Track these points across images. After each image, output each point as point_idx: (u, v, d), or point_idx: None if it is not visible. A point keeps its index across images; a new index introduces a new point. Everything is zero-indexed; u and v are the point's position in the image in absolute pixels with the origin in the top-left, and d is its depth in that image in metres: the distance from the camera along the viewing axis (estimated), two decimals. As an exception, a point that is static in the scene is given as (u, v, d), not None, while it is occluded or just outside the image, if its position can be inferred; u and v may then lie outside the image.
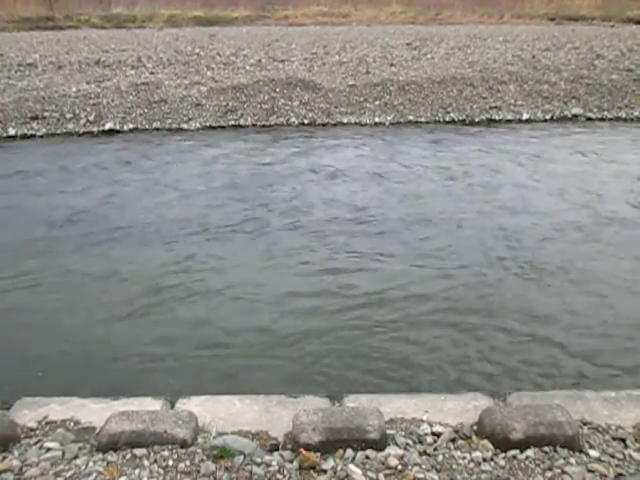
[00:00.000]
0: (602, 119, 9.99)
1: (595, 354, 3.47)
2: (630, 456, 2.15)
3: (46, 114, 9.58)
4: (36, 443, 2.24)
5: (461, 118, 9.88)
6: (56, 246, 5.08)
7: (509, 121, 9.82)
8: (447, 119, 9.85)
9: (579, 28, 23.18)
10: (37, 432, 2.32)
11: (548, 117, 10.00)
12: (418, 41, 18.04)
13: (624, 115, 10.16)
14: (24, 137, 8.89)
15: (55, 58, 14.70)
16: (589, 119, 9.97)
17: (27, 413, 2.45)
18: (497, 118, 9.91)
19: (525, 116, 9.99)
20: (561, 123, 9.75)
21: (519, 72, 12.25)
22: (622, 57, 14.37)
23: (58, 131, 9.07)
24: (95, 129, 9.19)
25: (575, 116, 10.06)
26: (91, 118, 9.48)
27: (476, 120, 9.82)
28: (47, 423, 2.38)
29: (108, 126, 9.26)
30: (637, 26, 24.03)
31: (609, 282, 4.36)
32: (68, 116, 9.53)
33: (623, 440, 2.24)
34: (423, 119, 9.80)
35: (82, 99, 10.28)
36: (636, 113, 10.21)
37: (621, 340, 3.62)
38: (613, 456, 2.15)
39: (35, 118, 9.44)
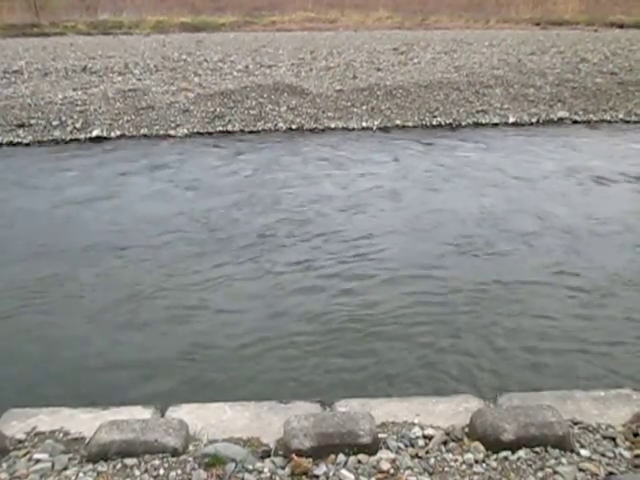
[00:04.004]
0: (587, 122, 10.10)
1: None
2: (620, 454, 2.17)
3: (32, 121, 9.51)
4: (25, 455, 2.21)
5: (448, 122, 9.94)
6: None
7: (495, 125, 9.90)
8: (434, 123, 9.91)
9: (563, 32, 23.46)
10: (26, 443, 2.29)
11: (534, 120, 10.10)
12: (405, 46, 18.15)
13: (609, 118, 10.29)
14: (10, 145, 8.81)
15: (41, 65, 14.60)
16: (575, 122, 10.08)
17: (15, 424, 2.41)
18: (484, 122, 9.98)
19: (511, 119, 10.07)
20: (548, 126, 9.86)
21: (505, 76, 12.36)
22: (606, 61, 14.55)
23: (45, 138, 9.01)
24: (82, 136, 9.13)
25: (561, 119, 10.16)
26: (78, 125, 9.42)
27: (463, 124, 9.89)
28: (36, 434, 2.35)
29: (95, 133, 9.21)
30: (620, 30, 24.36)
31: None
32: (55, 123, 9.46)
33: (613, 439, 2.26)
34: (410, 123, 9.85)
35: (69, 106, 10.22)
36: (620, 116, 10.34)
37: None
38: (604, 455, 2.17)
39: (21, 125, 9.36)
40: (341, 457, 2.13)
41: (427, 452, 2.19)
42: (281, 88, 11.17)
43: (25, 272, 4.69)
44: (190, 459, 2.13)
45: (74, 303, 4.23)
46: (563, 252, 4.96)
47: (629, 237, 5.25)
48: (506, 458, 2.14)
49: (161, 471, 2.07)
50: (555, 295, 4.24)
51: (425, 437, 2.28)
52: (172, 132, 9.38)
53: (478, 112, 10.31)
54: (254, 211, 5.99)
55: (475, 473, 2.08)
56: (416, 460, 2.15)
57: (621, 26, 25.53)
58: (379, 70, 13.55)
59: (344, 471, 2.07)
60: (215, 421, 2.43)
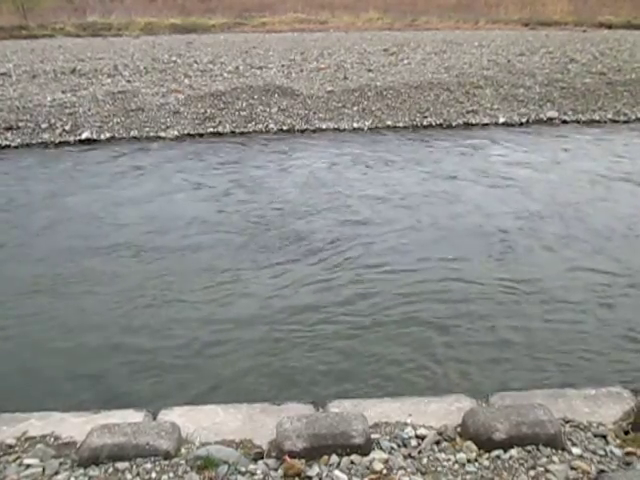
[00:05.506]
0: (577, 122, 10.17)
1: None
2: (611, 452, 2.18)
3: (21, 124, 9.42)
4: (15, 460, 2.19)
5: (438, 122, 9.97)
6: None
7: (485, 125, 9.94)
8: (425, 123, 9.93)
9: (552, 33, 23.59)
10: (16, 448, 2.28)
11: (524, 120, 10.15)
12: (395, 47, 18.18)
13: (597, 118, 10.36)
14: (-1, 147, 8.74)
15: (29, 67, 14.48)
16: (564, 122, 10.15)
17: (5, 429, 2.40)
18: (474, 122, 10.02)
19: (501, 120, 10.12)
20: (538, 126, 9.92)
21: (495, 76, 12.42)
22: (595, 61, 14.66)
23: (33, 141, 8.93)
24: (71, 139, 9.07)
25: (550, 119, 10.22)
26: (67, 128, 9.35)
27: (453, 124, 9.92)
28: (26, 439, 2.34)
29: (85, 135, 9.14)
30: (608, 31, 24.54)
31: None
32: (43, 126, 9.39)
33: (604, 437, 2.27)
34: (401, 124, 9.86)
35: (58, 108, 10.14)
36: (609, 116, 10.41)
37: None
38: (595, 453, 2.19)
39: (9, 128, 9.28)
40: (334, 458, 2.13)
41: (420, 452, 2.20)
42: (272, 89, 11.15)
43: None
44: (182, 462, 2.12)
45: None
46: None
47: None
48: (498, 457, 2.15)
49: (153, 474, 2.06)
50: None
51: (418, 437, 2.29)
52: (162, 134, 9.34)
53: (468, 112, 10.35)
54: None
55: (468, 472, 2.08)
56: (409, 460, 2.16)
57: (609, 27, 25.72)
58: (370, 71, 13.57)
59: (337, 472, 2.07)
60: (207, 423, 2.42)
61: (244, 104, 10.48)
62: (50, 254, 5.07)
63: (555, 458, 2.13)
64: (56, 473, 2.11)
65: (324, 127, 9.70)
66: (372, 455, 2.16)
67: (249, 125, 9.69)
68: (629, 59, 14.79)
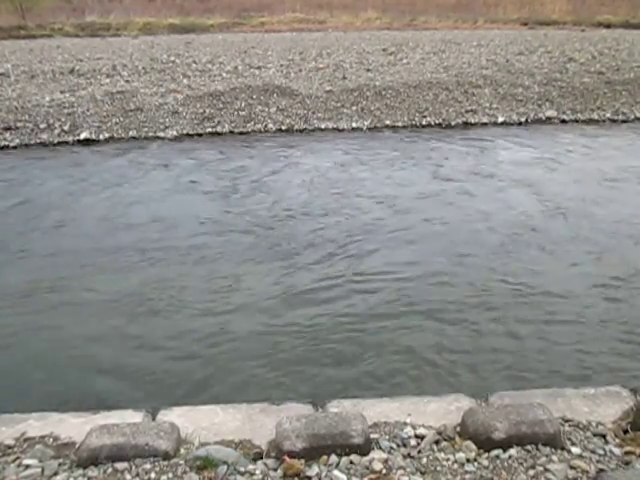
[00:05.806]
0: (576, 121, 10.17)
1: None
2: (611, 451, 2.18)
3: (19, 124, 9.42)
4: (14, 460, 2.19)
5: (437, 122, 9.96)
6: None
7: (484, 124, 9.94)
8: (424, 123, 9.92)
9: (551, 32, 23.61)
10: (15, 449, 2.27)
11: (523, 120, 10.15)
12: (394, 46, 18.19)
13: (596, 117, 10.36)
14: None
15: (28, 67, 14.48)
16: (563, 121, 10.15)
17: (4, 430, 2.39)
18: (473, 121, 10.01)
19: (500, 119, 10.11)
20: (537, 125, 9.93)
21: (493, 76, 12.42)
22: (593, 60, 14.67)
23: (32, 142, 8.91)
24: (70, 139, 9.05)
25: (549, 118, 10.22)
26: (66, 128, 9.35)
27: (452, 124, 9.92)
28: (25, 440, 2.33)
29: (84, 135, 9.13)
30: (607, 30, 24.57)
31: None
32: (42, 126, 9.38)
33: (603, 436, 2.27)
34: (400, 124, 9.86)
35: (56, 109, 10.14)
36: (608, 115, 10.42)
37: None
38: (594, 452, 2.18)
39: (8, 129, 9.27)
40: (333, 458, 2.13)
41: (419, 452, 2.20)
42: (270, 89, 11.15)
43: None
44: (181, 462, 2.11)
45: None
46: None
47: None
48: (497, 457, 2.14)
49: (152, 475, 2.05)
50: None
51: (417, 437, 2.28)
52: (161, 134, 9.33)
53: (467, 112, 10.35)
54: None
55: (467, 472, 2.08)
56: (408, 460, 2.15)
57: (608, 26, 25.76)
58: (368, 71, 13.57)
59: (336, 472, 2.07)
60: (207, 424, 2.42)
61: (243, 104, 10.47)
62: (52, 254, 5.06)
63: (554, 457, 2.13)
64: (55, 474, 2.10)
65: (323, 127, 9.69)
66: (371, 455, 2.16)
67: (248, 125, 9.69)
68: (627, 58, 14.81)
